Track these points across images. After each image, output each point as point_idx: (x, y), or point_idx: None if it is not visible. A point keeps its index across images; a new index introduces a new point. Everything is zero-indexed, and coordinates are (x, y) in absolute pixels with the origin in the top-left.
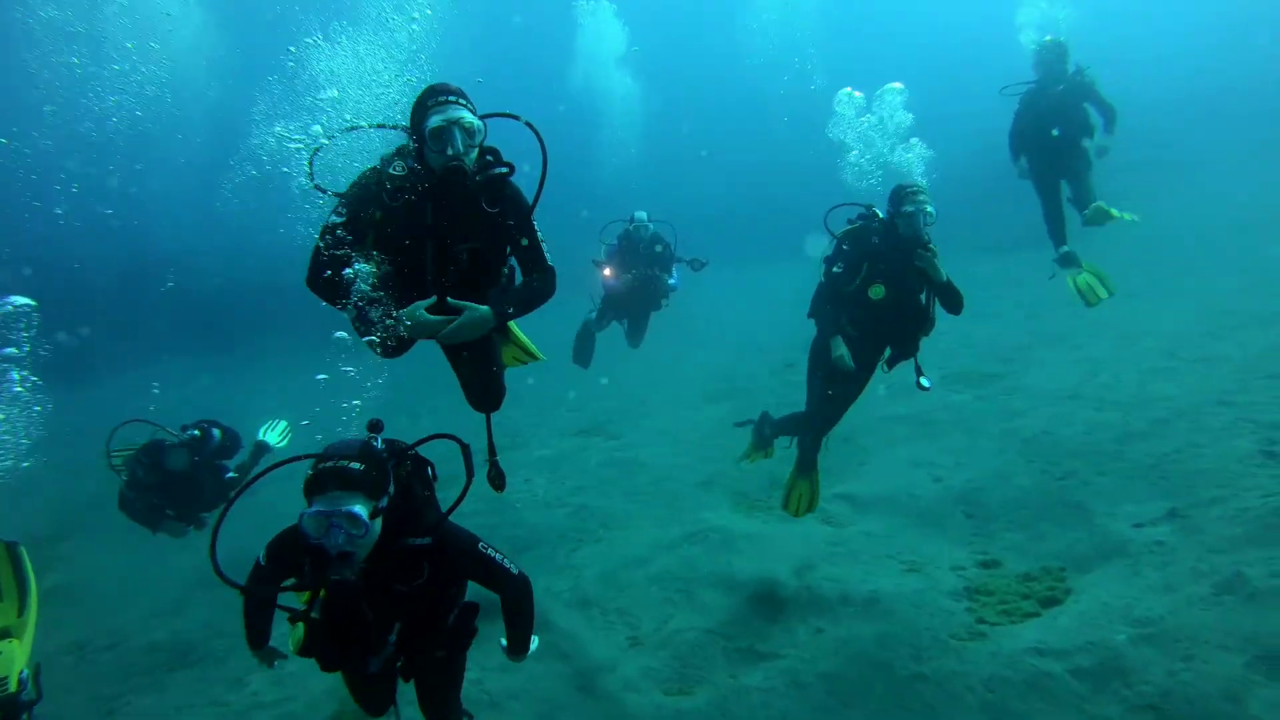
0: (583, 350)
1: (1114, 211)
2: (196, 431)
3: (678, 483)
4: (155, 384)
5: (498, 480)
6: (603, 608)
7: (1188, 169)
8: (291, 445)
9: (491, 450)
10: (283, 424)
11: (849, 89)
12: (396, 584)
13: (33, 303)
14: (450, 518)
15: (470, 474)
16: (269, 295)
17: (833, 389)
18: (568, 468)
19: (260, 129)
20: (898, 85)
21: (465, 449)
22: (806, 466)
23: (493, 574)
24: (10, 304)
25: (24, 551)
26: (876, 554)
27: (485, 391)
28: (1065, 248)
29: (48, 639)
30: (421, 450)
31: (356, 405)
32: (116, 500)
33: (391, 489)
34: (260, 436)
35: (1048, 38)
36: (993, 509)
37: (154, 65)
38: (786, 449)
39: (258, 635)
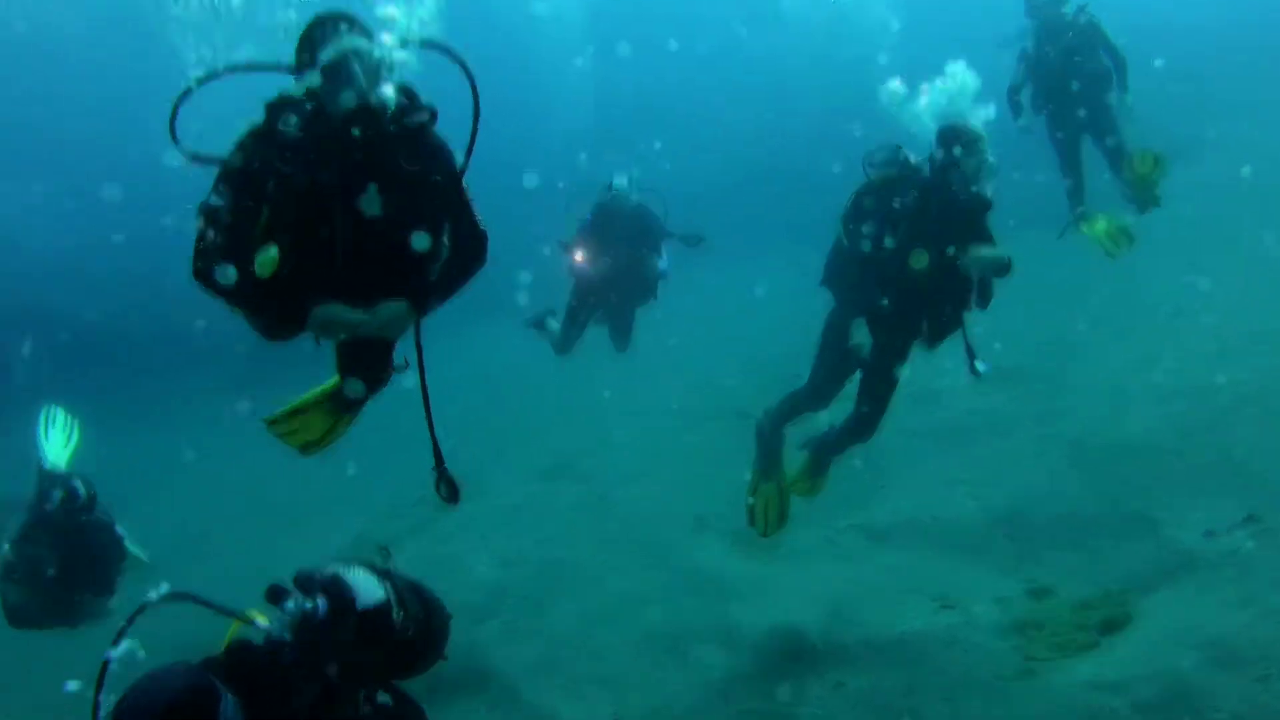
0: (539, 326)
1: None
2: (60, 492)
3: (661, 525)
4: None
5: (451, 493)
6: (579, 678)
7: (1233, 111)
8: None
9: (438, 457)
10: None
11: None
12: None
13: None
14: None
15: None
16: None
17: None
18: (531, 517)
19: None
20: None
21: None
22: (770, 464)
23: None
24: None
25: None
26: (902, 590)
27: (369, 374)
28: (1082, 208)
29: None
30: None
31: None
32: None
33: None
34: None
35: None
36: (1039, 528)
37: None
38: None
39: None
